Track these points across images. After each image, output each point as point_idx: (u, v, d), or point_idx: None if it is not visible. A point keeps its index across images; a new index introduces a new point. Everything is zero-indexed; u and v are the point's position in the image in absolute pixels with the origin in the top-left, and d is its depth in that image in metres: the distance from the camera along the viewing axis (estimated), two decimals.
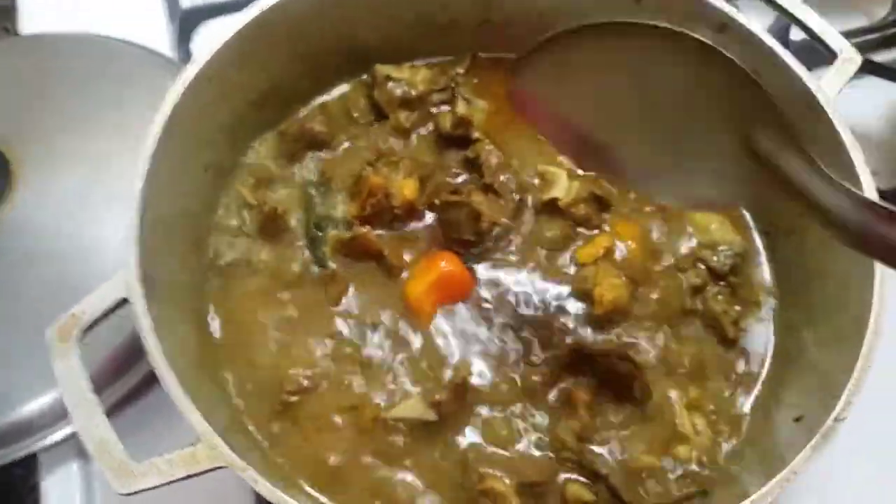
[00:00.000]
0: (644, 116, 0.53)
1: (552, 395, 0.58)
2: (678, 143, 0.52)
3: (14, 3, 0.91)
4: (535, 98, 0.58)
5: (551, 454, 0.55)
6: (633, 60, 0.51)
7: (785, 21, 0.69)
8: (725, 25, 0.61)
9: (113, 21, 0.85)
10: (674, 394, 0.58)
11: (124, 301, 0.49)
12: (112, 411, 0.63)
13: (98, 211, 0.69)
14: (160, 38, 0.87)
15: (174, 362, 0.47)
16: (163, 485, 0.44)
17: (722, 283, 0.61)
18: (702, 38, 0.47)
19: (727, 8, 0.60)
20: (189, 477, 0.44)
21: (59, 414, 0.63)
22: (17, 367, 0.64)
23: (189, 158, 0.60)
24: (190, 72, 0.58)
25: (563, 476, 0.55)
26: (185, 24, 0.87)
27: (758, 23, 0.60)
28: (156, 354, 0.46)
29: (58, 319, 0.48)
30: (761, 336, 0.60)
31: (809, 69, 0.59)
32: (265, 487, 0.43)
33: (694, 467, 0.55)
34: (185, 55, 0.85)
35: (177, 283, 0.56)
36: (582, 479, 0.55)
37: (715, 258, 0.62)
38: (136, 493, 0.43)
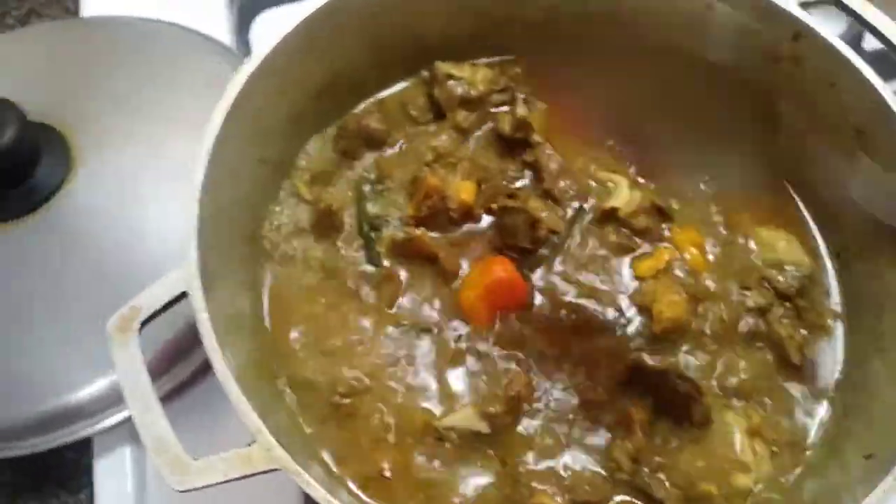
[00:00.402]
0: (671, 101, 0.60)
1: (607, 413, 0.56)
2: (706, 129, 0.59)
3: None
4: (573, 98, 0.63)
5: (605, 474, 0.54)
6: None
7: (858, 29, 0.67)
8: (800, 34, 0.59)
9: (172, 7, 0.85)
10: (734, 419, 0.56)
11: (183, 295, 0.48)
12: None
13: (153, 195, 0.68)
14: (218, 25, 0.87)
15: (231, 360, 0.47)
16: (218, 484, 0.43)
17: (788, 304, 0.59)
18: None
19: (802, 16, 0.58)
20: (245, 477, 0.43)
21: (113, 399, 0.63)
22: (73, 350, 0.64)
23: (247, 150, 0.59)
24: (254, 61, 0.57)
25: (617, 498, 0.53)
26: (244, 13, 0.87)
27: (830, 30, 0.58)
28: (214, 352, 0.45)
29: (119, 311, 0.47)
30: (828, 363, 0.58)
31: (885, 79, 0.56)
32: (319, 492, 0.43)
33: (754, 497, 0.53)
34: (244, 44, 0.85)
35: (232, 279, 0.56)
36: (637, 502, 0.53)
37: (781, 278, 0.60)
38: (190, 490, 0.43)
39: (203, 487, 0.43)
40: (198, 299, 0.47)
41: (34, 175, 0.67)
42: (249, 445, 0.44)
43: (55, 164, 0.69)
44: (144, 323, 0.48)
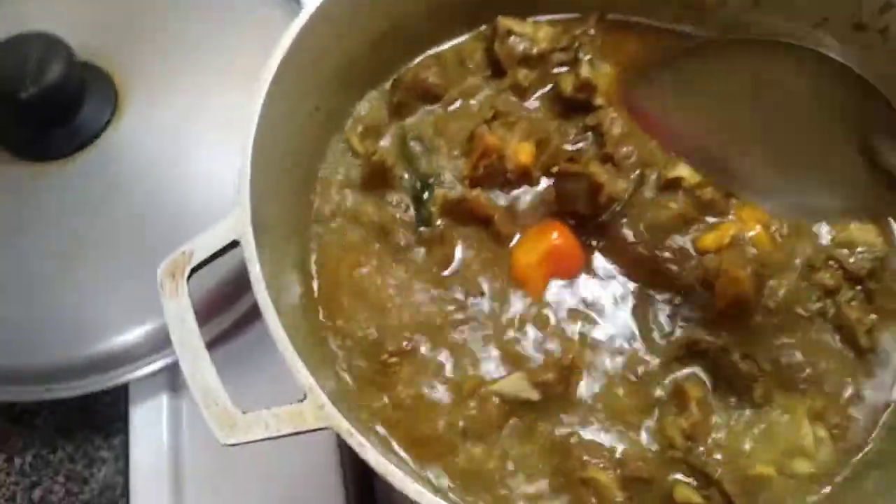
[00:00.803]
0: (760, 128, 0.52)
1: (662, 388, 0.54)
2: (794, 155, 0.51)
3: None
4: (652, 109, 0.57)
5: (659, 450, 0.52)
6: (751, 74, 0.51)
7: None
8: (890, 5, 0.55)
9: None
10: (796, 402, 0.54)
11: (234, 243, 0.46)
12: None
13: (200, 141, 0.67)
14: None
15: (281, 313, 0.45)
16: (267, 439, 0.42)
17: (858, 287, 0.56)
18: (824, 52, 0.47)
19: None
20: (294, 434, 0.42)
21: (152, 345, 0.63)
22: (114, 294, 0.64)
23: (302, 99, 0.57)
24: (311, 8, 0.55)
25: (671, 476, 0.51)
26: None
27: None
28: (267, 306, 0.44)
29: (170, 256, 0.46)
30: None
31: None
32: (370, 453, 0.41)
33: (813, 482, 0.51)
34: None
35: (282, 230, 0.54)
36: (692, 480, 0.51)
37: (852, 259, 0.57)
38: (238, 444, 0.42)
39: (251, 442, 0.42)
40: (250, 249, 0.46)
41: (80, 115, 0.67)
42: (301, 402, 0.42)
43: (101, 104, 0.68)
44: (194, 270, 0.46)
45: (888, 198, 0.49)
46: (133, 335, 0.63)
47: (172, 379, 0.67)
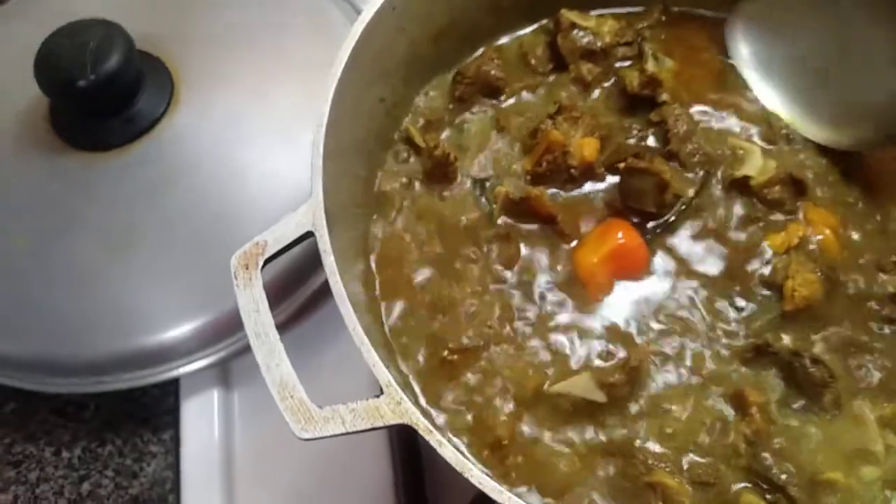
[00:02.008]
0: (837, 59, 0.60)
1: (727, 392, 0.53)
2: (855, 86, 0.59)
3: None
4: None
5: (724, 455, 0.51)
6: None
7: None
8: None
9: None
10: (866, 407, 0.52)
11: (308, 234, 0.46)
12: None
13: (256, 134, 0.67)
14: None
15: (354, 304, 0.44)
16: (342, 434, 0.41)
17: None
18: None
19: None
20: (371, 430, 0.41)
21: (205, 340, 0.63)
22: (168, 286, 0.63)
23: (367, 90, 0.57)
24: (376, 1, 0.54)
25: (736, 480, 0.50)
26: None
27: None
28: (341, 295, 0.43)
29: (243, 247, 0.45)
30: None
31: None
32: (448, 450, 0.40)
33: (883, 488, 0.50)
34: None
35: (349, 223, 0.53)
36: (759, 485, 0.50)
37: None
38: (314, 439, 0.41)
39: (328, 437, 0.41)
40: (324, 241, 0.45)
41: (136, 104, 0.66)
42: (377, 397, 0.41)
43: (158, 94, 0.67)
44: (267, 261, 0.46)
45: None
46: (185, 329, 0.63)
47: (224, 374, 0.66)
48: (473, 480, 0.40)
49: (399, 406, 0.41)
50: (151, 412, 0.67)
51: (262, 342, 0.43)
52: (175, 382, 0.65)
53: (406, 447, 0.64)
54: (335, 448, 0.56)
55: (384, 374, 0.42)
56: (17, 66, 0.64)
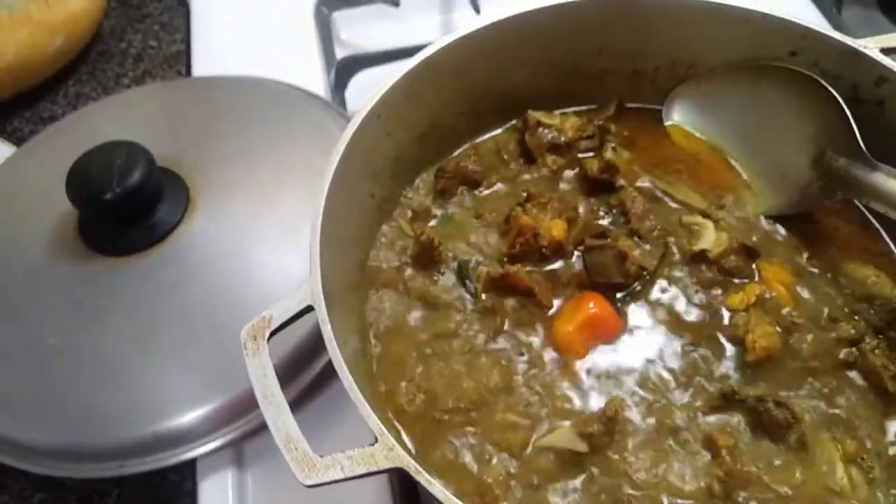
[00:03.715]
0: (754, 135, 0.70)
1: (699, 437, 0.57)
2: (773, 158, 0.68)
3: (189, 49, 1.00)
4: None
5: (703, 497, 0.55)
6: (753, 91, 0.69)
7: None
8: (884, 79, 0.62)
9: (275, 69, 0.92)
10: (830, 445, 0.56)
11: (309, 308, 0.52)
12: None
13: (265, 236, 0.74)
14: (316, 84, 0.94)
15: (351, 369, 0.50)
16: (342, 480, 0.46)
17: (880, 336, 0.60)
18: (818, 79, 0.64)
19: (886, 62, 0.61)
20: (368, 475, 0.46)
21: (218, 423, 0.67)
22: (183, 374, 0.68)
23: (358, 186, 0.64)
24: (365, 109, 0.62)
25: None
26: (341, 74, 0.94)
27: None
28: (337, 357, 0.49)
29: (251, 321, 0.51)
30: None
31: None
32: (438, 489, 0.45)
33: None
34: (341, 101, 0.92)
35: (345, 302, 0.59)
36: None
37: (871, 311, 0.61)
38: (317, 485, 0.45)
39: (328, 483, 0.46)
40: (322, 312, 0.51)
41: (156, 213, 0.74)
42: (372, 445, 0.46)
43: (175, 204, 0.75)
44: (273, 333, 0.52)
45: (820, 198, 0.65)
46: (200, 412, 0.68)
47: (238, 455, 0.71)
48: None
49: (391, 452, 0.46)
50: (171, 495, 0.71)
51: (270, 402, 0.48)
52: (192, 465, 0.70)
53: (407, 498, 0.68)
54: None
55: (377, 425, 0.47)
56: (50, 185, 0.72)
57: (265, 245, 0.74)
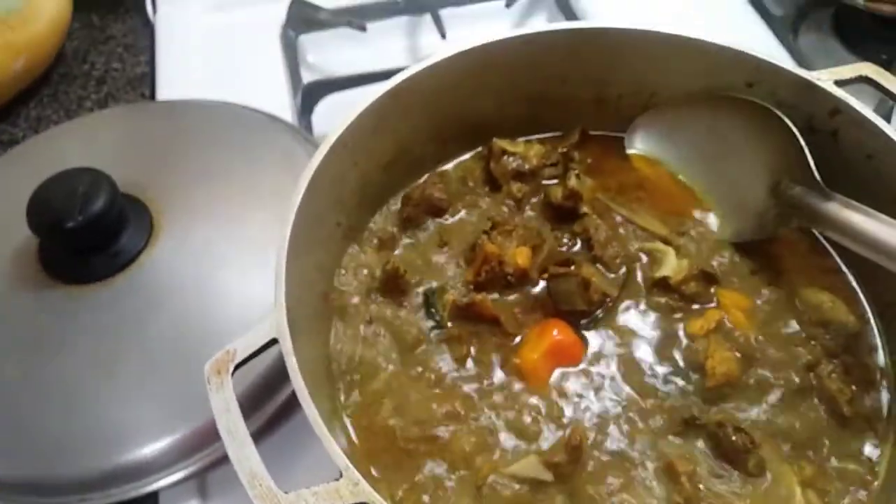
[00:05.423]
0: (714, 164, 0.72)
1: (658, 464, 0.58)
2: (731, 186, 0.70)
3: (153, 72, 1.00)
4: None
5: None
6: (712, 121, 0.71)
7: (889, 104, 0.72)
8: (837, 110, 0.64)
9: (241, 92, 0.92)
10: (788, 470, 0.58)
11: (273, 341, 0.52)
12: None
13: (230, 262, 0.73)
14: (282, 109, 0.94)
15: (315, 402, 0.50)
16: None
17: (835, 361, 0.62)
18: (774, 109, 0.66)
19: (840, 94, 0.63)
20: None
21: (181, 454, 0.66)
22: (146, 404, 0.67)
23: (324, 215, 0.64)
24: (332, 136, 0.62)
25: None
26: (307, 99, 0.94)
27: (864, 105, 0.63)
28: (302, 390, 0.49)
29: (215, 355, 0.51)
30: (880, 418, 0.60)
31: None
32: None
33: None
34: (307, 125, 0.92)
35: (310, 332, 0.59)
36: None
37: (827, 336, 0.63)
38: None
39: None
40: (287, 345, 0.51)
41: (119, 240, 0.73)
42: (337, 480, 0.46)
43: (138, 231, 0.74)
44: (237, 367, 0.51)
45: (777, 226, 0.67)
46: (164, 443, 0.66)
47: (201, 486, 0.70)
48: None
49: (356, 487, 0.46)
50: None
51: (233, 438, 0.48)
52: (155, 497, 0.69)
53: None
54: None
55: (342, 459, 0.47)
56: (9, 211, 0.71)
57: (230, 271, 0.73)
